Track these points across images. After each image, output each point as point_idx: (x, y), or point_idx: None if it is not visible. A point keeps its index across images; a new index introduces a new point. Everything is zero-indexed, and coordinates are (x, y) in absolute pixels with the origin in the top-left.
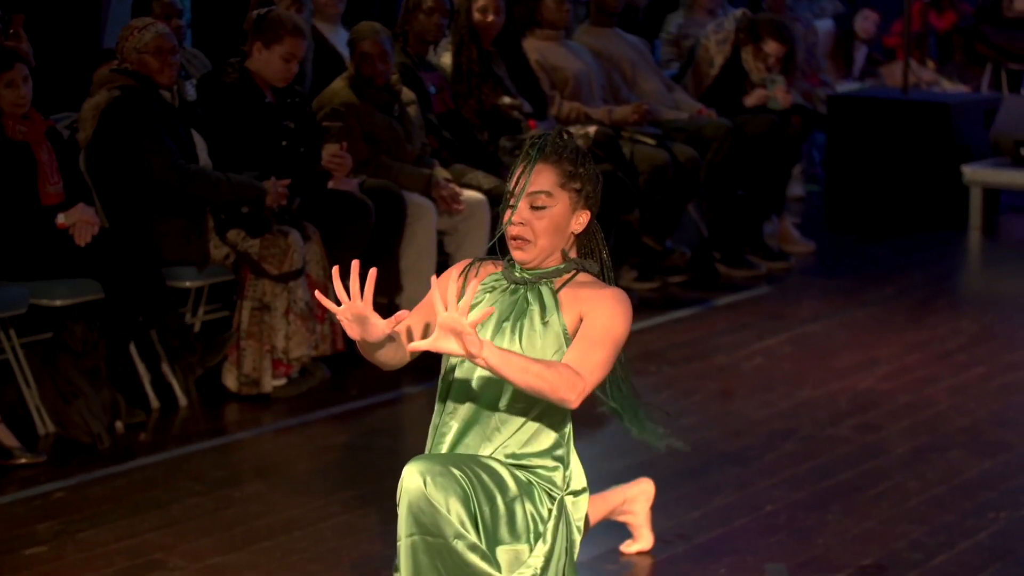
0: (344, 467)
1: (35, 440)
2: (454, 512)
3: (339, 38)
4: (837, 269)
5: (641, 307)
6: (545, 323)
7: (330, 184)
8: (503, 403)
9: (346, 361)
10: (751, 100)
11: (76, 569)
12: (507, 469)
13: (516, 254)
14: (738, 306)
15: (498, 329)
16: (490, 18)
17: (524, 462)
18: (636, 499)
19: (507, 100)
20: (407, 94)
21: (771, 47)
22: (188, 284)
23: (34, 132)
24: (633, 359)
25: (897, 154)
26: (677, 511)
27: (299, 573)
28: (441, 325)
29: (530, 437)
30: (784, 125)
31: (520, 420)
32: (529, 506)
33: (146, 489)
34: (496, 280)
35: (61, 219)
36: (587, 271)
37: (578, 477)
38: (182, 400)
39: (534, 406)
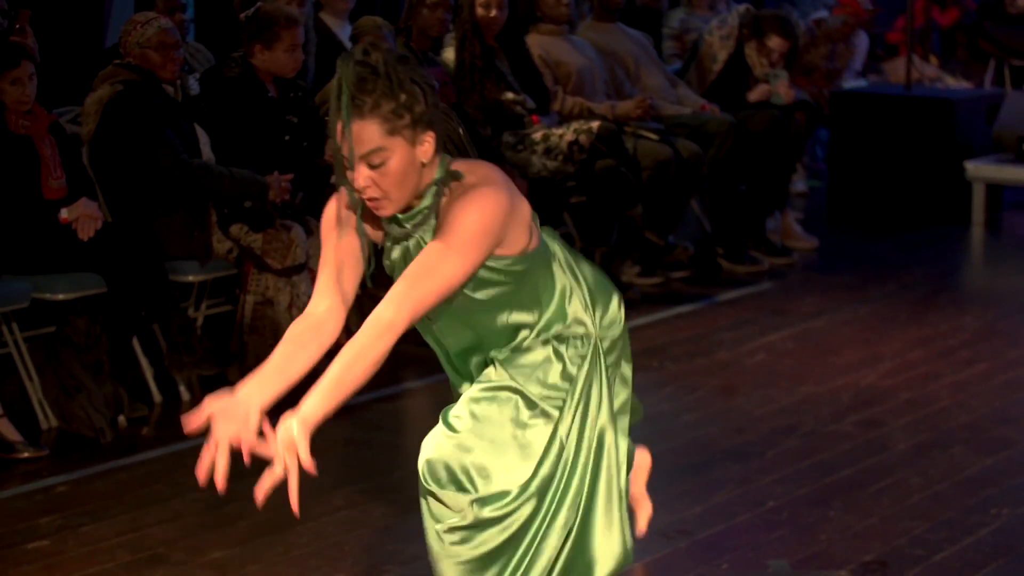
0: (346, 462)
1: (37, 434)
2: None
3: (346, 33)
4: (840, 265)
5: (644, 303)
6: None
7: (332, 179)
8: (475, 331)
9: None
10: (754, 96)
11: (78, 563)
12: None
13: (377, 213)
14: (740, 302)
15: None
16: (493, 13)
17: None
18: (636, 472)
19: (510, 96)
20: None
21: (774, 42)
22: (191, 278)
23: (37, 127)
24: (635, 355)
25: (900, 150)
26: (679, 507)
27: (301, 568)
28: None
29: (513, 334)
30: (787, 121)
31: (499, 328)
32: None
33: (148, 483)
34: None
35: (64, 214)
36: (457, 177)
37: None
38: (184, 394)
39: (502, 310)
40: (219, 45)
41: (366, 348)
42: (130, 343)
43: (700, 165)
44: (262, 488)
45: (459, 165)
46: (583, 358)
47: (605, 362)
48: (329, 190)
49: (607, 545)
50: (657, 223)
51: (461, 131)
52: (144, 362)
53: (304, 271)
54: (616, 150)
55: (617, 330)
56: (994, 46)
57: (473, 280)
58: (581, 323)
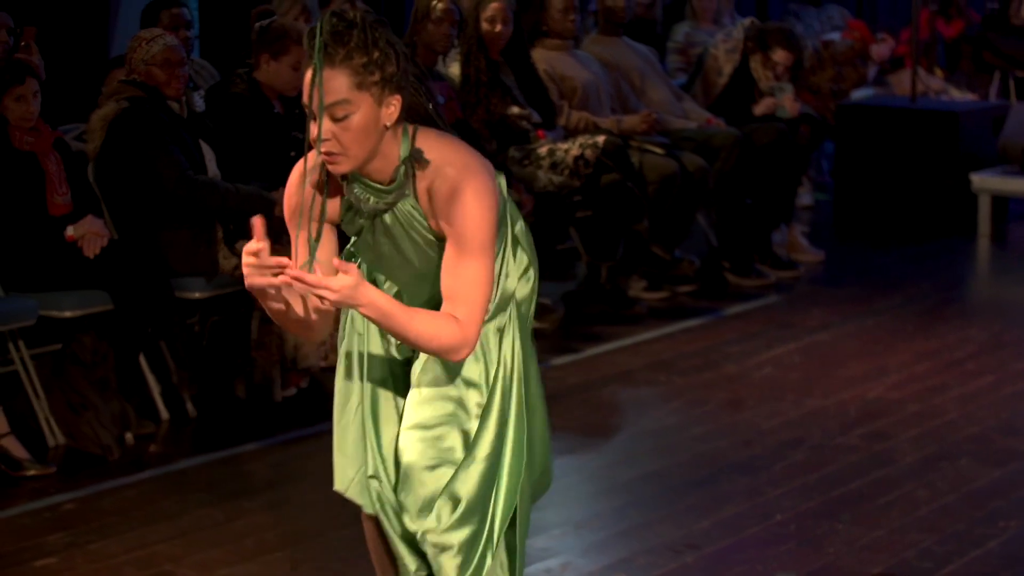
0: None
1: (45, 451)
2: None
3: None
4: (846, 278)
5: (650, 317)
6: (416, 245)
7: None
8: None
9: None
10: (760, 109)
11: None
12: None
13: (331, 168)
14: (747, 315)
15: (379, 269)
16: (498, 28)
17: None
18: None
19: (516, 110)
20: None
21: (780, 56)
22: (197, 295)
23: (41, 143)
24: (642, 369)
25: (905, 162)
26: (687, 520)
27: None
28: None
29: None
30: (793, 134)
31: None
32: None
33: (156, 500)
34: (348, 211)
35: (70, 231)
36: (420, 159)
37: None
38: (192, 411)
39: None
40: (224, 62)
41: (439, 318)
42: (137, 360)
43: (706, 179)
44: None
45: (423, 139)
46: (500, 331)
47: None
48: None
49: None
50: (663, 237)
51: (430, 106)
52: (151, 379)
53: None
54: (622, 164)
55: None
56: (999, 58)
57: (438, 246)
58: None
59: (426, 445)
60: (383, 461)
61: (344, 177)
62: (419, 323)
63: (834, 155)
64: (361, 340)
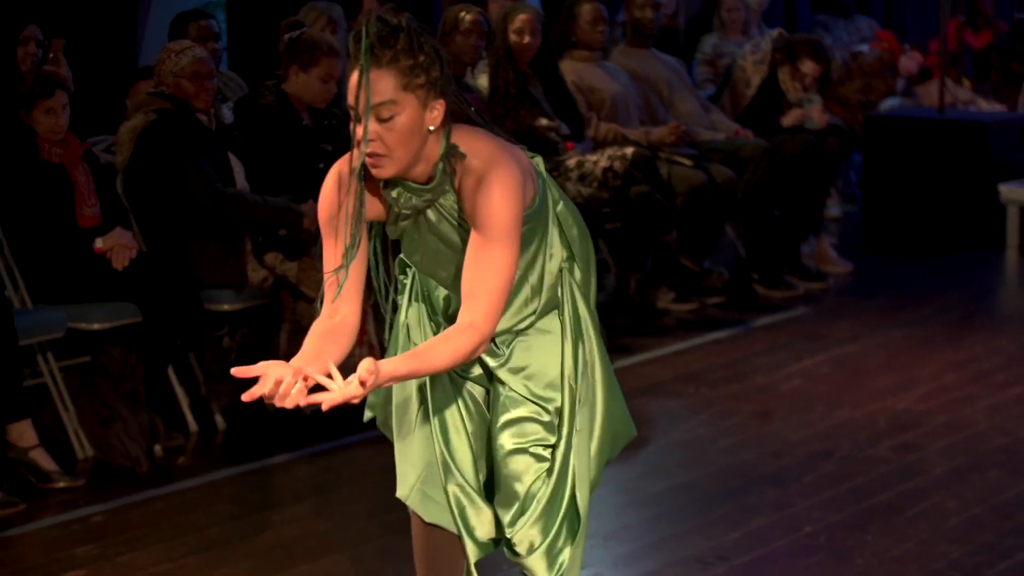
0: (383, 489)
1: (74, 464)
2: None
3: None
4: (874, 289)
5: (679, 328)
6: (464, 238)
7: None
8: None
9: None
10: (788, 120)
11: None
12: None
13: (374, 171)
14: (776, 327)
15: (429, 270)
16: (526, 39)
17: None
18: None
19: (544, 122)
20: None
21: (808, 67)
22: (226, 307)
23: (70, 155)
24: (671, 380)
25: (934, 173)
26: (716, 532)
27: None
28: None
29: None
30: (821, 145)
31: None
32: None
33: (185, 513)
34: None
35: (99, 244)
36: (456, 153)
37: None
38: (220, 424)
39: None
40: (252, 73)
41: (451, 338)
42: (165, 372)
43: (734, 190)
44: (309, 399)
45: (457, 135)
46: (560, 296)
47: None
48: None
49: (619, 420)
50: (692, 249)
51: (472, 110)
52: (180, 391)
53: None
54: (650, 176)
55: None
56: None
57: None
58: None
59: (511, 448)
60: (456, 465)
61: (385, 183)
62: (440, 357)
63: (862, 166)
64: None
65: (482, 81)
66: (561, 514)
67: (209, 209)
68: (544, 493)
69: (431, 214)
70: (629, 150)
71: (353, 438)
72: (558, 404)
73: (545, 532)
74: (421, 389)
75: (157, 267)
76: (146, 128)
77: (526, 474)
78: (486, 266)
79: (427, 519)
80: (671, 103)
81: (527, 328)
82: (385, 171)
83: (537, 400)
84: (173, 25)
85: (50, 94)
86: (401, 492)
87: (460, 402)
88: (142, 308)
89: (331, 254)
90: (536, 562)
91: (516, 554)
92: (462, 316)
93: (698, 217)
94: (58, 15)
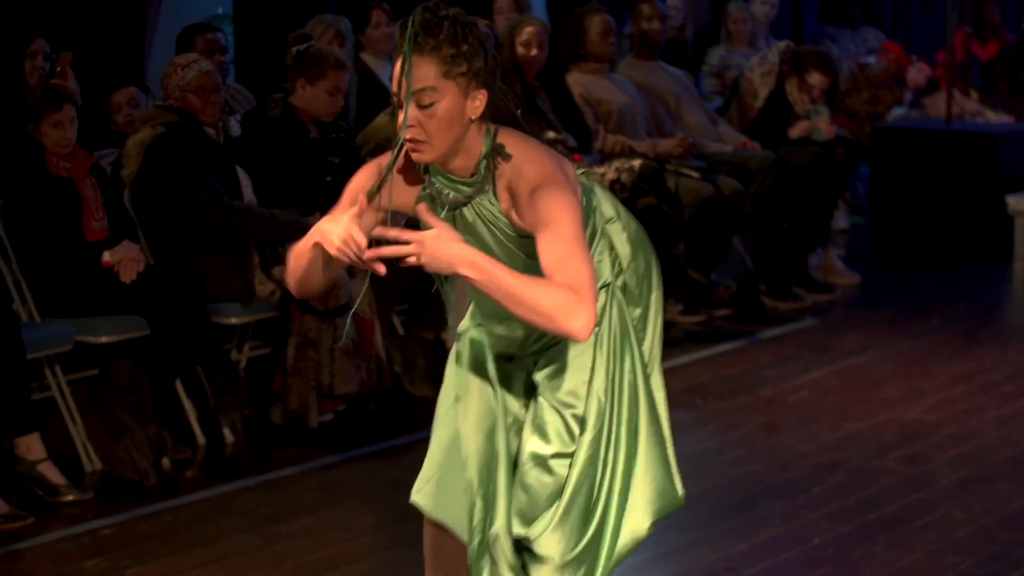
0: (392, 502)
1: (82, 477)
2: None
3: (387, 73)
4: (882, 301)
5: (687, 340)
6: (499, 241)
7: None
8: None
9: (393, 396)
10: (795, 132)
11: None
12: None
13: (414, 156)
14: (783, 339)
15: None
16: (533, 52)
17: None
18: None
19: (551, 134)
20: None
21: (815, 79)
22: (234, 320)
23: (77, 168)
24: (679, 393)
25: (941, 185)
26: (724, 544)
27: None
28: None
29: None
30: (828, 157)
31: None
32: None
33: (193, 526)
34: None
35: (107, 257)
36: (502, 153)
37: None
38: (228, 437)
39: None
40: (260, 86)
41: (550, 286)
42: (173, 385)
43: (742, 202)
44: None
45: (504, 137)
46: (602, 309)
47: (628, 312)
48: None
49: (655, 485)
50: (699, 261)
51: (518, 112)
52: (187, 404)
53: (346, 312)
54: (658, 188)
55: (641, 266)
56: None
57: (519, 241)
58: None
59: (537, 457)
60: (482, 465)
61: (425, 170)
62: (532, 288)
63: (870, 178)
64: (473, 344)
65: None
66: (589, 534)
67: (216, 223)
68: (560, 503)
69: (468, 213)
70: (636, 162)
71: (361, 451)
72: (580, 412)
73: (568, 543)
74: (465, 381)
75: (165, 280)
76: (154, 141)
77: (542, 482)
78: (567, 256)
79: (434, 515)
80: (678, 115)
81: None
82: (424, 156)
83: (560, 407)
84: (180, 38)
85: (58, 108)
86: (414, 490)
87: (497, 405)
88: (150, 321)
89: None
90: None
91: (537, 558)
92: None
93: (705, 229)
94: (65, 28)
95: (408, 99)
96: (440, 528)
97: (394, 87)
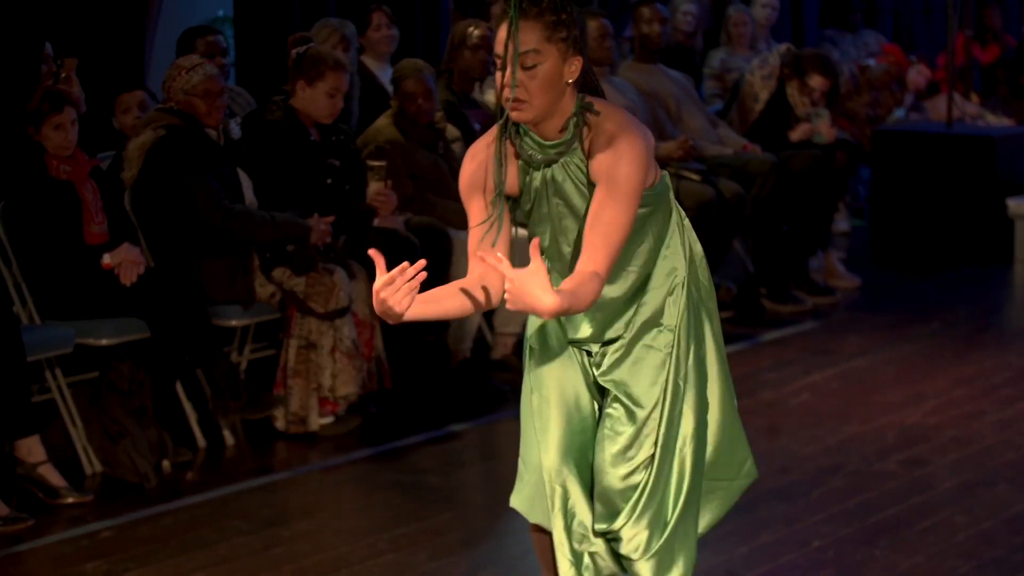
0: (392, 505)
1: (82, 479)
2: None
3: (387, 75)
4: (883, 304)
5: None
6: (585, 199)
7: (375, 222)
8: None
9: (393, 399)
10: (796, 135)
11: None
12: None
13: (514, 115)
14: (784, 342)
15: (555, 238)
16: None
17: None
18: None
19: None
20: (451, 131)
21: (816, 81)
22: (234, 323)
23: (78, 171)
24: None
25: (942, 188)
26: (725, 547)
27: None
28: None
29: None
30: (829, 160)
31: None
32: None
33: (193, 528)
34: (522, 167)
35: (107, 259)
36: (591, 110)
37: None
38: (229, 439)
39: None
40: (260, 89)
41: (583, 285)
42: (174, 388)
43: (742, 205)
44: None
45: (592, 99)
46: (677, 306)
47: (701, 308)
48: (371, 233)
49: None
50: None
51: (602, 88)
52: (188, 407)
53: (346, 315)
54: None
55: (705, 273)
56: None
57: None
58: (675, 269)
59: (614, 449)
60: (565, 464)
61: (517, 133)
62: (588, 292)
63: (870, 181)
64: (547, 341)
65: (490, 97)
66: (671, 525)
67: (217, 225)
68: (642, 499)
69: (557, 173)
70: None
71: (361, 453)
72: (649, 412)
73: (653, 534)
74: (540, 379)
75: (165, 283)
76: (155, 144)
77: (622, 483)
78: (605, 222)
79: (530, 518)
80: (679, 118)
81: (626, 339)
82: (525, 115)
83: (633, 408)
84: (181, 41)
85: (59, 110)
86: (512, 494)
87: (575, 404)
88: (150, 324)
89: (476, 212)
90: (643, 567)
91: (624, 555)
92: (584, 264)
93: (706, 232)
94: (65, 31)
95: (516, 60)
96: (543, 532)
97: (498, 49)
